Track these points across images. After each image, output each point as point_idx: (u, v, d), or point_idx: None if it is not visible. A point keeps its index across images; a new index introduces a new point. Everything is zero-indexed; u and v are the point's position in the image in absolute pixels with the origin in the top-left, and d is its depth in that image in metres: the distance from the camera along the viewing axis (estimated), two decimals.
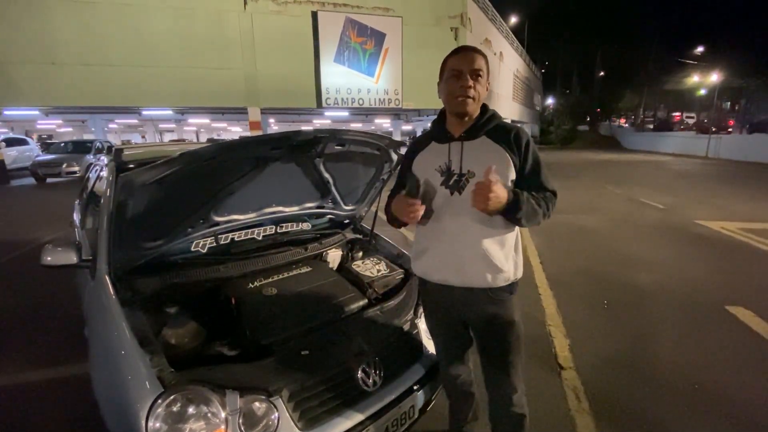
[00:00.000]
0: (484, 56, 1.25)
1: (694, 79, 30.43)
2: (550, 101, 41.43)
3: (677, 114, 42.02)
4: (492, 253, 1.27)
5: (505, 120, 1.33)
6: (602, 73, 39.02)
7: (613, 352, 2.48)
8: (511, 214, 1.21)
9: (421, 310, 1.71)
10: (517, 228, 1.33)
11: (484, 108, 1.31)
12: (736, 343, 2.59)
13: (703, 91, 31.45)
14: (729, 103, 37.59)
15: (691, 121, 35.96)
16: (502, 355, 1.36)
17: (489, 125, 1.29)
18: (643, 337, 2.66)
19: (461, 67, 1.22)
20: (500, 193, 1.14)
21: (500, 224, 1.28)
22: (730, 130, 26.89)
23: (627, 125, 38.67)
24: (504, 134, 1.27)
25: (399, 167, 1.50)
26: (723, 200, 7.71)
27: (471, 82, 1.22)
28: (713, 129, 21.84)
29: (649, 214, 6.51)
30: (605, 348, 2.53)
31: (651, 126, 35.57)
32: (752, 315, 2.92)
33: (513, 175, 1.27)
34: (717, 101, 25.57)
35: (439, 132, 1.35)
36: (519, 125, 1.33)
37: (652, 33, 34.74)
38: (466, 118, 1.29)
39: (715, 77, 23.72)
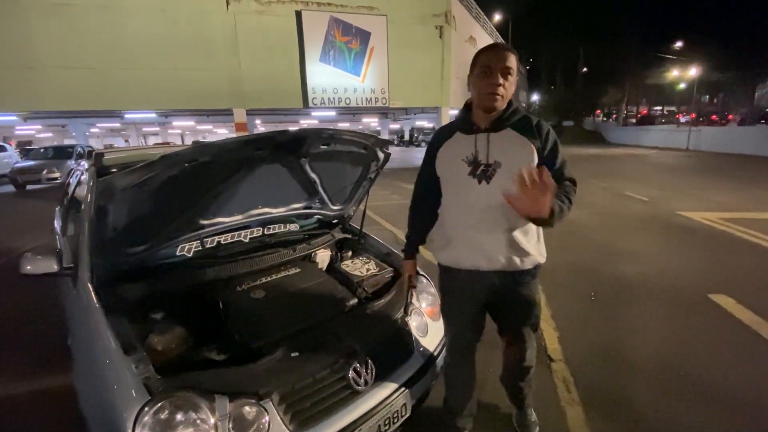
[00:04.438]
0: (516, 54, 1.29)
1: (674, 73, 31.11)
2: (535, 98, 41.90)
3: (658, 108, 42.92)
4: (519, 239, 1.36)
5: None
6: (585, 69, 39.61)
7: (601, 343, 2.52)
8: (544, 224, 1.28)
9: (411, 308, 1.72)
10: None
11: (509, 102, 1.36)
12: (719, 331, 2.66)
13: (683, 85, 32.19)
14: (708, 96, 38.52)
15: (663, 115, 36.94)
16: (521, 329, 1.52)
17: (514, 118, 1.35)
18: (630, 327, 2.71)
19: (492, 63, 1.27)
20: (549, 202, 1.15)
21: None
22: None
23: (610, 120, 39.34)
24: (527, 125, 1.35)
25: (423, 156, 1.54)
26: (704, 191, 7.89)
27: (501, 80, 1.27)
28: (712, 118, 22.20)
29: (633, 207, 6.63)
30: (593, 339, 2.57)
31: (633, 120, 36.29)
32: (734, 302, 3.00)
33: (536, 163, 1.32)
34: (696, 95, 26.17)
35: (465, 123, 1.41)
36: (540, 119, 1.39)
37: (633, 28, 35.30)
38: (493, 114, 1.34)
39: (693, 71, 24.28)
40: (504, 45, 1.31)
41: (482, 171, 1.35)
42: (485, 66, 1.28)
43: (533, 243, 1.40)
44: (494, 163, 1.34)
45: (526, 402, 1.77)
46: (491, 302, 1.49)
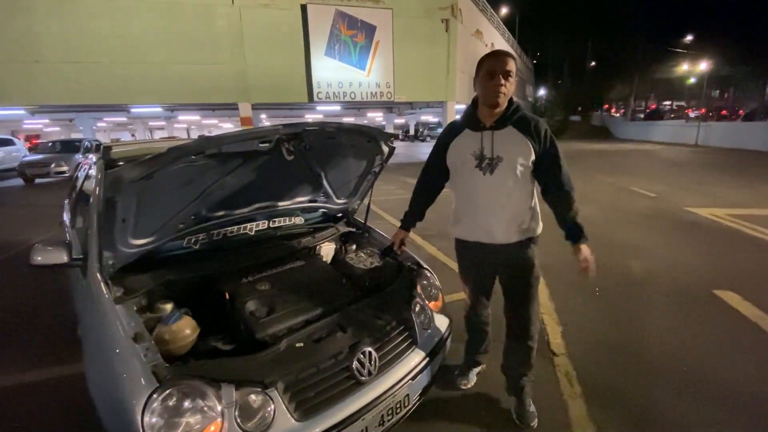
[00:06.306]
0: (515, 59, 1.52)
1: (684, 67, 30.60)
2: (541, 92, 41.50)
3: (667, 103, 42.33)
4: (515, 219, 1.62)
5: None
6: (593, 63, 39.14)
7: (604, 338, 2.52)
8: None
9: (414, 300, 1.74)
10: (535, 194, 1.66)
11: (510, 101, 1.57)
12: (723, 326, 2.65)
13: (692, 80, 31.66)
14: (718, 91, 37.91)
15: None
16: (523, 292, 1.71)
17: (514, 116, 1.56)
18: (633, 322, 2.71)
19: (495, 68, 1.49)
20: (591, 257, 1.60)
21: (521, 197, 1.61)
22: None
23: (618, 115, 38.86)
24: (526, 125, 1.56)
25: (434, 147, 1.79)
26: (712, 187, 7.81)
27: (503, 81, 1.48)
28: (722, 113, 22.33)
29: (640, 203, 6.58)
30: (596, 334, 2.58)
31: (641, 115, 35.81)
32: (740, 299, 2.98)
33: (533, 158, 1.56)
34: (706, 89, 25.76)
35: (472, 120, 1.63)
36: (538, 117, 1.60)
37: (642, 21, 34.81)
38: (497, 110, 1.55)
39: (704, 66, 23.89)
40: (504, 51, 1.53)
41: (487, 164, 1.58)
42: (489, 70, 1.50)
43: (526, 222, 1.64)
44: (497, 157, 1.57)
45: (525, 391, 1.83)
46: (497, 267, 1.75)
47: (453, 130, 1.69)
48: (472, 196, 1.66)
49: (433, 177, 1.83)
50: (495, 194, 1.60)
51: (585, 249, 1.57)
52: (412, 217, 1.91)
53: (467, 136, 1.63)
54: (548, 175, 1.60)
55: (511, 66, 1.48)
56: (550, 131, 1.58)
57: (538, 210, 1.70)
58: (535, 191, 1.67)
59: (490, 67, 1.49)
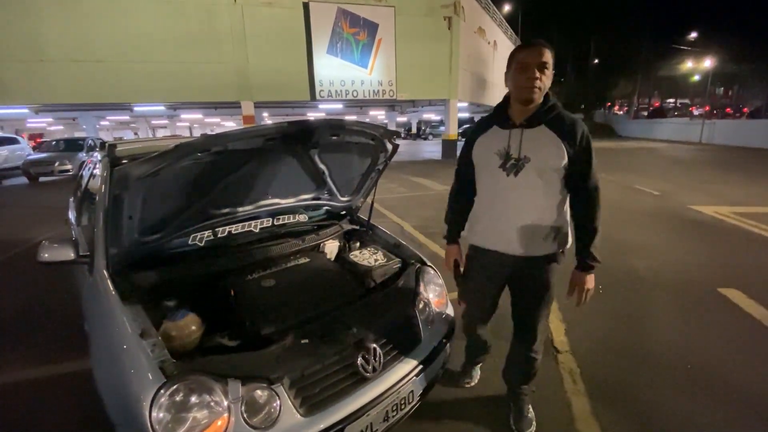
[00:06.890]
0: (551, 50, 1.35)
1: (688, 65, 30.41)
2: None
3: (671, 101, 42.09)
4: (539, 230, 1.47)
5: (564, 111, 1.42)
6: (596, 61, 38.92)
7: (608, 335, 2.52)
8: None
9: (418, 297, 1.74)
10: (566, 204, 1.51)
11: (547, 97, 1.41)
12: (727, 324, 2.64)
13: (696, 78, 31.45)
14: (722, 89, 37.65)
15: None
16: (534, 310, 1.60)
17: (550, 115, 1.40)
18: (637, 320, 2.71)
19: (529, 60, 1.34)
20: (592, 286, 1.54)
21: (547, 206, 1.46)
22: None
23: (621, 113, 38.64)
24: (561, 124, 1.39)
25: (461, 147, 1.66)
26: (717, 185, 7.77)
27: (538, 74, 1.33)
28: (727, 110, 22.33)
29: (644, 201, 6.56)
30: (600, 331, 2.58)
31: (645, 113, 35.63)
32: (744, 296, 2.98)
33: (565, 162, 1.39)
34: (711, 87, 25.57)
35: (501, 117, 1.49)
36: (577, 117, 1.43)
37: (645, 19, 34.54)
38: (530, 106, 1.40)
39: (708, 63, 23.73)
40: (539, 41, 1.36)
41: (512, 165, 1.43)
42: (522, 62, 1.35)
43: (553, 232, 1.49)
44: (524, 158, 1.41)
45: (523, 398, 1.79)
46: (510, 281, 1.63)
47: (480, 126, 1.56)
48: (493, 199, 1.53)
49: (465, 180, 1.67)
50: (517, 198, 1.46)
51: (588, 280, 1.52)
52: (456, 229, 1.75)
53: (494, 133, 1.49)
54: (575, 183, 1.45)
55: (548, 57, 1.33)
56: (588, 134, 1.40)
57: (569, 226, 1.55)
58: (567, 203, 1.52)
59: (523, 59, 1.35)
